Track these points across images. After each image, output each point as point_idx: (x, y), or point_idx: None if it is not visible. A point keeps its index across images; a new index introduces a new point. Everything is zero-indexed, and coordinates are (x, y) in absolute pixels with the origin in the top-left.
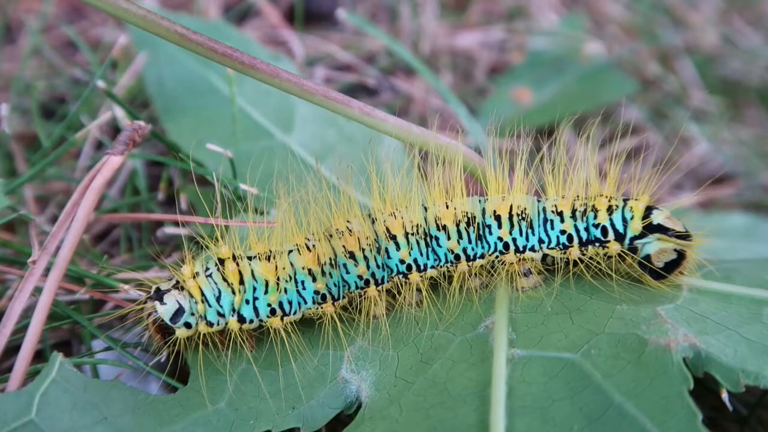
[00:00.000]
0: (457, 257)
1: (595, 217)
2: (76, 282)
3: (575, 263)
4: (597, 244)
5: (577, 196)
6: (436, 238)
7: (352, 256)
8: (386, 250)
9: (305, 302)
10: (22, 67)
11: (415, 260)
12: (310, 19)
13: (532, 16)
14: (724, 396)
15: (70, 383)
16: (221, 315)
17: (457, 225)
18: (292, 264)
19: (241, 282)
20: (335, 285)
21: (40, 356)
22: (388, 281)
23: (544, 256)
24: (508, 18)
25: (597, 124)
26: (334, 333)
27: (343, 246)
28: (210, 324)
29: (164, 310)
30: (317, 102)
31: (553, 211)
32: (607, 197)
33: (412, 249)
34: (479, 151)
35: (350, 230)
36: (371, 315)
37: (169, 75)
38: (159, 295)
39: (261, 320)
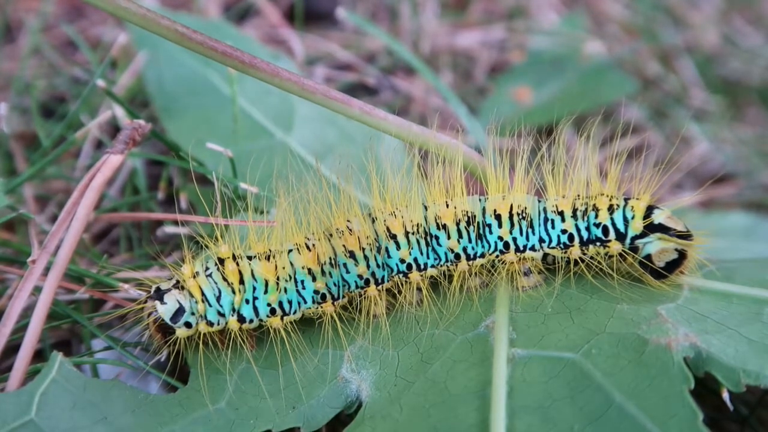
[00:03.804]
0: (458, 256)
1: (596, 216)
2: (76, 281)
3: (576, 263)
4: (598, 244)
5: (578, 196)
6: (437, 237)
7: (352, 255)
8: (386, 249)
9: (305, 302)
10: (21, 66)
11: (416, 259)
12: (310, 18)
13: (532, 16)
14: (725, 396)
15: (69, 383)
16: (221, 314)
17: (457, 224)
18: (291, 263)
19: (241, 282)
20: (335, 284)
21: (39, 356)
22: (388, 280)
23: (545, 255)
24: (508, 17)
25: (597, 123)
26: (334, 332)
27: (343, 245)
28: (210, 323)
29: (165, 310)
30: (317, 101)
31: (553, 211)
32: (608, 196)
33: (412, 248)
34: (479, 151)
35: (350, 229)
36: (371, 314)
37: (168, 74)
38: (159, 294)
39: (261, 320)
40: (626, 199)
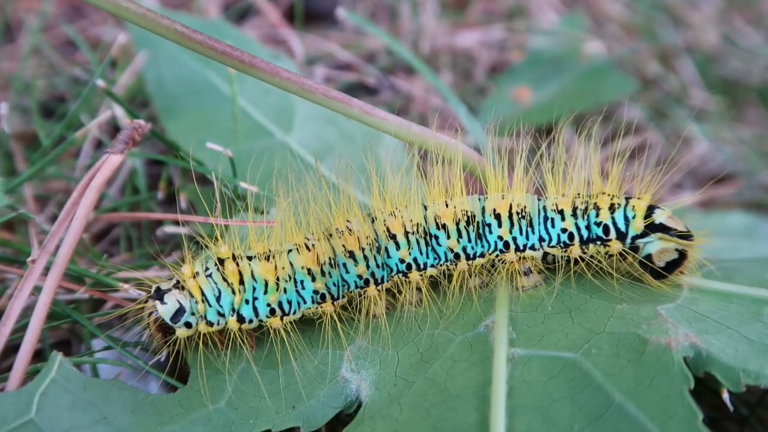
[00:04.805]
0: (457, 256)
1: (597, 215)
2: (76, 281)
3: (576, 262)
4: (598, 243)
5: (578, 194)
6: (436, 237)
7: (351, 255)
8: (386, 249)
9: (304, 302)
10: (21, 66)
11: (415, 259)
12: (310, 18)
13: (532, 16)
14: (725, 396)
15: (69, 382)
16: (221, 315)
17: (457, 224)
18: (291, 264)
19: (241, 282)
20: (335, 284)
21: (39, 355)
22: (387, 280)
23: (545, 254)
24: (508, 17)
25: (598, 123)
26: (333, 332)
27: (343, 245)
28: (210, 324)
29: (165, 310)
30: (317, 101)
31: (553, 210)
32: (609, 195)
33: (411, 248)
34: (479, 150)
35: (350, 230)
36: (371, 314)
37: (168, 74)
38: (159, 294)
39: (260, 320)
40: (627, 199)
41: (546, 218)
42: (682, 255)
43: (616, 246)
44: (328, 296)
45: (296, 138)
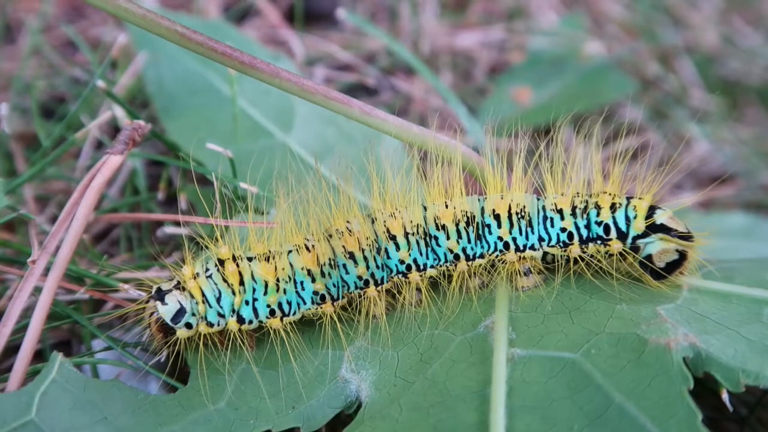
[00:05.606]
0: (457, 257)
1: (598, 214)
2: (76, 282)
3: (575, 261)
4: (599, 242)
5: (577, 193)
6: (436, 238)
7: (351, 256)
8: (386, 250)
9: (304, 303)
10: (22, 66)
11: (415, 260)
12: (310, 18)
13: (532, 16)
14: (724, 396)
15: (69, 383)
16: (221, 315)
17: (457, 225)
18: (291, 265)
19: (241, 283)
20: (334, 285)
21: (39, 356)
22: (387, 281)
23: (545, 254)
24: (508, 18)
25: (597, 123)
26: (333, 333)
27: (343, 246)
28: (210, 324)
29: (165, 310)
30: (317, 102)
31: (552, 209)
32: (610, 195)
33: (411, 249)
34: (478, 151)
35: (350, 230)
36: (371, 315)
37: (168, 74)
38: (160, 295)
39: (260, 321)
40: (628, 199)
41: (545, 218)
42: (683, 256)
43: (616, 246)
44: (327, 297)
45: (296, 138)
